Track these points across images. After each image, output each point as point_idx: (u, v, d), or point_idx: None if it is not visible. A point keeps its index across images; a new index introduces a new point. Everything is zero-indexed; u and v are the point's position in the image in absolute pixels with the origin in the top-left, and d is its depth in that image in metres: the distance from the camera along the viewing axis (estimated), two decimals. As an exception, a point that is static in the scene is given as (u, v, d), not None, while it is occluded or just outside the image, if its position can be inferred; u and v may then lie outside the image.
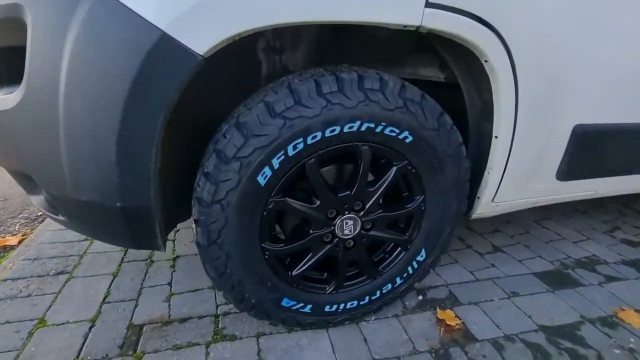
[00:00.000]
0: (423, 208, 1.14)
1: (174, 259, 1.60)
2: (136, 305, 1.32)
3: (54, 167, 0.89)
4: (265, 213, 0.98)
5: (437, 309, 1.37)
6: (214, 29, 0.76)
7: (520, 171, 1.22)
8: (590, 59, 1.11)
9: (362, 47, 1.31)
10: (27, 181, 1.04)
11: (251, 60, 1.25)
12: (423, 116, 0.97)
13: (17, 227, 1.91)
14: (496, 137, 1.12)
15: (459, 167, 1.09)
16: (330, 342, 1.21)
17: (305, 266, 1.11)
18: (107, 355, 1.11)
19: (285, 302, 1.13)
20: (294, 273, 1.11)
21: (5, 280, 1.42)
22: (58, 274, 1.47)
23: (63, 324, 1.22)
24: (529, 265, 1.70)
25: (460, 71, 1.13)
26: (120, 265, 1.55)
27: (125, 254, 1.62)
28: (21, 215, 2.04)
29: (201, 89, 1.12)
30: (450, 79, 1.26)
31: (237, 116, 0.90)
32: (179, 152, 1.08)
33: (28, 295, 1.34)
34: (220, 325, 1.25)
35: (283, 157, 0.90)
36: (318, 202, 1.02)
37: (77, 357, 1.10)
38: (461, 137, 1.07)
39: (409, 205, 1.13)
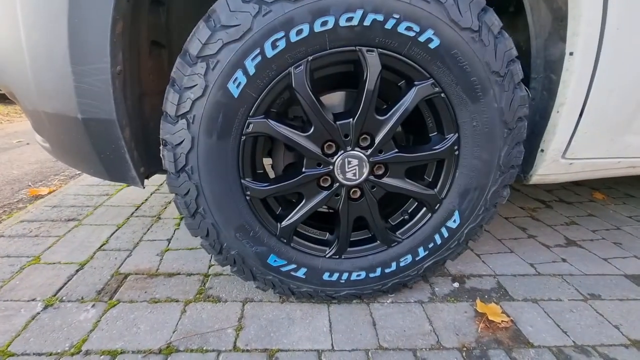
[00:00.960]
0: (457, 152, 0.85)
1: (182, 218, 1.50)
2: (129, 256, 1.23)
3: (21, 73, 0.82)
4: (243, 138, 0.79)
5: (477, 301, 1.05)
6: None
7: (610, 112, 0.86)
8: None
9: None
10: (14, 99, 0.99)
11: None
12: (456, 8, 0.70)
13: (56, 181, 2.01)
14: (571, 54, 0.79)
15: (509, 93, 0.78)
16: (329, 319, 0.97)
17: (297, 216, 0.89)
18: (82, 297, 1.02)
19: (272, 260, 0.92)
20: (283, 224, 0.90)
21: (23, 221, 1.45)
22: (69, 220, 1.46)
23: (54, 263, 1.17)
24: (618, 265, 1.27)
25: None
26: (128, 218, 1.49)
27: (136, 209, 1.57)
28: (63, 173, 2.15)
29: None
30: (506, -9, 0.95)
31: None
32: (164, 75, 0.95)
33: (35, 236, 1.34)
34: (207, 285, 1.09)
35: (260, 58, 0.70)
36: (311, 130, 0.80)
37: (53, 296, 1.02)
38: (515, 49, 0.76)
39: (436, 147, 0.85)
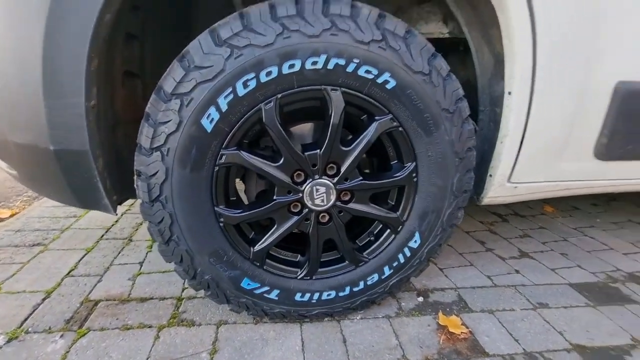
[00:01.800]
0: (415, 179, 0.93)
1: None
2: (99, 281, 1.22)
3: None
4: (216, 168, 0.83)
5: (440, 314, 1.13)
6: None
7: (544, 142, 0.97)
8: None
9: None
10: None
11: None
12: (409, 55, 0.79)
13: (18, 202, 1.93)
14: (509, 93, 0.90)
15: (459, 127, 0.88)
16: (302, 338, 1.01)
17: (269, 241, 0.94)
18: (49, 328, 1.00)
19: (245, 284, 0.95)
20: (256, 248, 0.94)
21: (-18, 247, 1.39)
22: (34, 245, 1.42)
23: (18, 292, 1.14)
24: (564, 274, 1.40)
25: (466, 16, 0.93)
26: (98, 242, 1.47)
27: (106, 232, 1.55)
28: (26, 194, 2.07)
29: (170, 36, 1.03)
30: (455, 33, 1.06)
31: (186, 49, 0.78)
32: (136, 110, 0.98)
33: (-3, 263, 1.29)
34: (180, 309, 1.10)
35: (232, 96, 0.76)
36: (281, 161, 0.85)
37: (18, 327, 0.99)
38: (462, 89, 0.87)
39: (397, 175, 0.93)
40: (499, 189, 1.04)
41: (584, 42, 0.86)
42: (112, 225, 1.61)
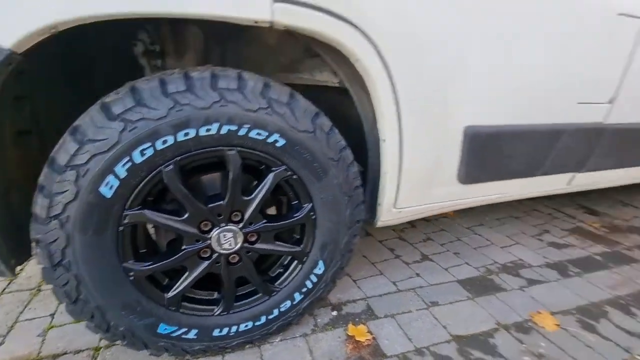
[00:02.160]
0: (314, 217, 1.07)
1: (67, 287, 1.43)
2: (1, 343, 1.15)
3: None
4: (121, 228, 0.87)
5: (350, 325, 1.29)
6: (19, 19, 0.67)
7: (417, 175, 1.19)
8: (475, 59, 1.10)
9: (255, 54, 1.26)
10: None
11: (131, 67, 1.17)
12: (293, 117, 0.92)
13: None
14: (384, 140, 1.08)
15: (345, 171, 1.04)
16: (223, 370, 1.09)
17: (182, 286, 1.00)
18: (-58, 406, 0.94)
19: (162, 329, 1.00)
20: (169, 295, 0.99)
21: None
22: None
23: None
24: (454, 272, 1.67)
25: (345, 74, 1.09)
26: (-1, 297, 1.37)
27: (9, 284, 1.44)
28: None
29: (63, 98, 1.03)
30: (343, 84, 1.22)
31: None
32: (33, 167, 0.97)
33: None
34: (98, 360, 1.10)
35: (129, 164, 0.81)
36: (186, 215, 0.92)
37: None
38: (343, 140, 1.02)
39: (296, 215, 1.06)
40: (387, 214, 1.23)
41: (437, 100, 1.08)
42: (16, 274, 1.50)
